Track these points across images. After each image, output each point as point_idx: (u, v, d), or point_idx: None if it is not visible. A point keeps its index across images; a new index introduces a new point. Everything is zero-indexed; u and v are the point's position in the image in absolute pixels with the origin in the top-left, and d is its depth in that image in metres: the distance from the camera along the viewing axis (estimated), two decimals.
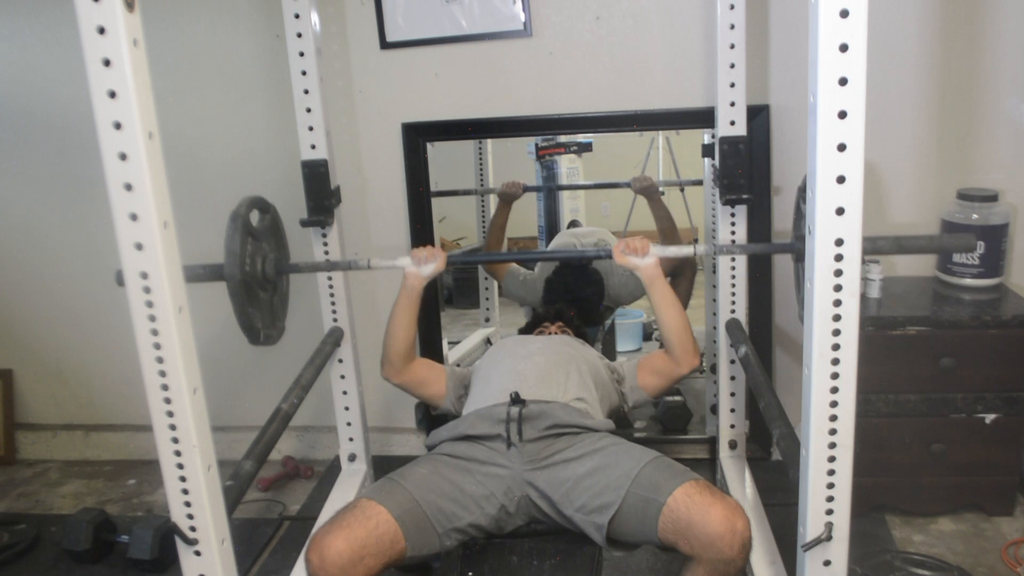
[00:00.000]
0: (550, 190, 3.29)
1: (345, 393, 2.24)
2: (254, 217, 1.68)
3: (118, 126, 1.01)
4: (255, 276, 1.63)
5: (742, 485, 2.13)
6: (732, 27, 1.99)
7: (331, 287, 2.16)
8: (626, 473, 1.53)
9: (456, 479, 1.62)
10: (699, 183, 2.92)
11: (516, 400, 1.70)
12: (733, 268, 2.17)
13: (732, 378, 2.23)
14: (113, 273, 1.11)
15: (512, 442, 1.65)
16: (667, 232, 2.77)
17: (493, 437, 1.67)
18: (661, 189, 3.10)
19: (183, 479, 1.19)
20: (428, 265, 1.85)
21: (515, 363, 1.89)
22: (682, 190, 3.19)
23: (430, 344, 2.62)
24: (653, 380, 1.95)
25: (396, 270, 1.89)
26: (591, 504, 1.55)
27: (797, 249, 1.56)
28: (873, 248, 1.38)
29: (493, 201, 3.10)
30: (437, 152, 2.56)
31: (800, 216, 1.53)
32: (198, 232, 1.59)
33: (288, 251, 1.84)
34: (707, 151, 2.51)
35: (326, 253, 2.13)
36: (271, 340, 1.68)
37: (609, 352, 3.05)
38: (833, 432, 1.17)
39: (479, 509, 1.60)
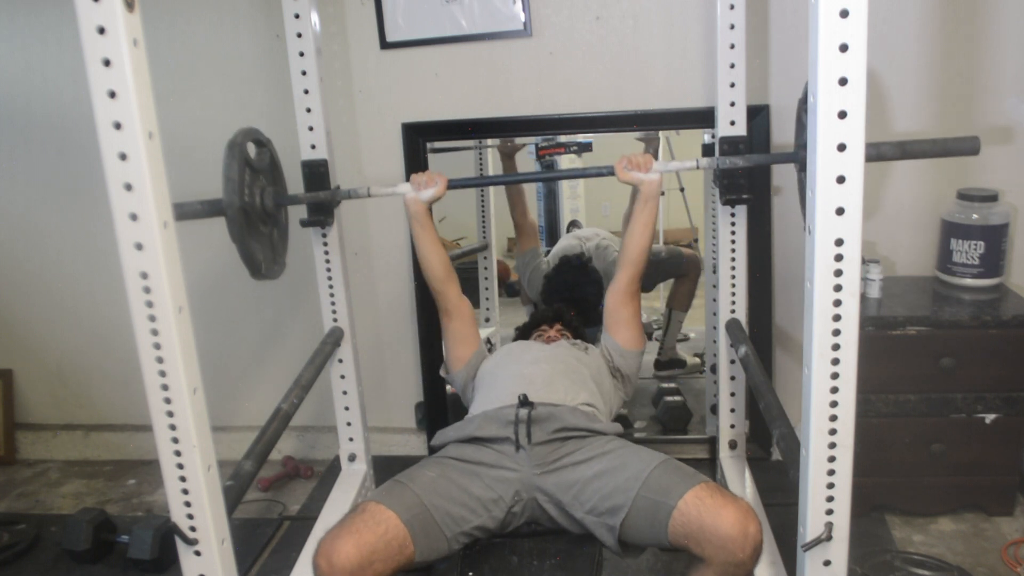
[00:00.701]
0: (550, 190, 3.29)
1: (345, 393, 2.24)
2: (251, 150, 1.66)
3: (118, 126, 1.01)
4: (254, 208, 1.61)
5: (742, 485, 2.13)
6: (732, 27, 1.99)
7: (331, 287, 2.15)
8: (635, 476, 1.53)
9: (464, 483, 1.61)
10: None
11: (524, 402, 1.69)
12: (733, 268, 2.17)
13: (732, 378, 2.23)
14: (115, 274, 1.10)
15: (520, 444, 1.64)
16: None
17: (501, 440, 1.66)
18: (661, 190, 3.10)
19: (183, 479, 1.19)
20: (428, 190, 1.89)
21: (522, 367, 1.88)
22: (682, 190, 3.20)
23: (431, 345, 2.62)
24: (622, 329, 1.96)
25: (397, 196, 1.95)
26: (601, 506, 1.54)
27: (800, 158, 1.58)
28: (877, 154, 1.39)
29: (494, 201, 3.11)
30: (437, 152, 2.56)
31: (801, 127, 1.56)
32: (198, 232, 1.59)
33: (286, 186, 1.84)
34: (707, 151, 2.51)
35: (326, 253, 2.13)
36: (273, 275, 1.66)
37: None
38: (833, 432, 1.17)
39: (487, 512, 1.59)
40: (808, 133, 1.07)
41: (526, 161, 3.20)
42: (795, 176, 2.37)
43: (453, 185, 1.93)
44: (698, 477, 1.50)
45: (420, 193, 1.89)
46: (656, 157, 2.72)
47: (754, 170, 2.26)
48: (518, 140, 2.89)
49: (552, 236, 3.44)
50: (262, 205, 1.65)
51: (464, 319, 2.00)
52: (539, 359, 1.92)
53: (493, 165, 3.07)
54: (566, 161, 3.19)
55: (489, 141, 2.96)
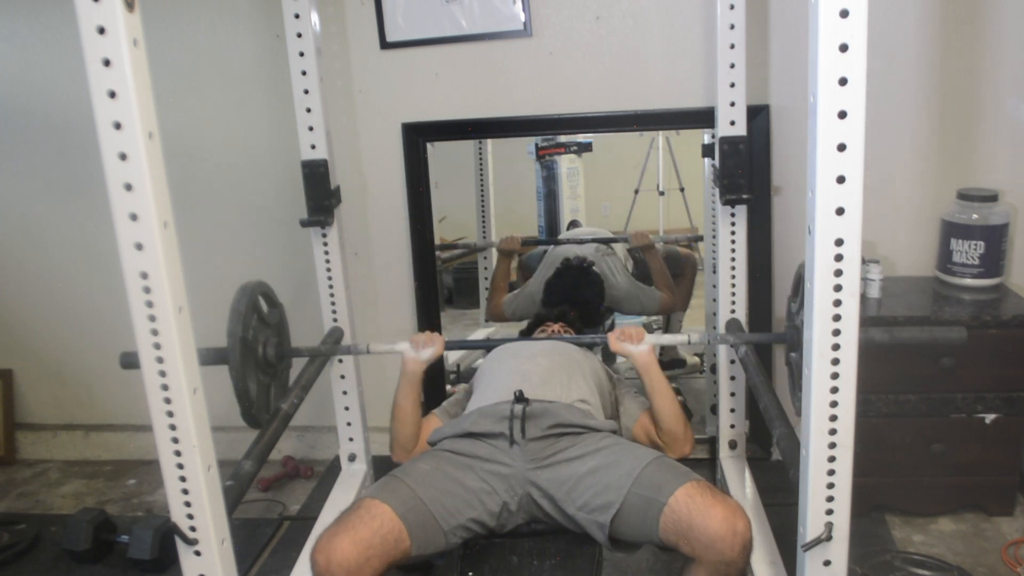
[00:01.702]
0: (550, 190, 3.29)
1: (345, 393, 2.24)
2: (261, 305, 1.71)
3: (118, 126, 1.01)
4: (257, 356, 1.67)
5: (742, 485, 2.13)
6: (732, 27, 1.99)
7: (331, 287, 2.16)
8: (628, 472, 1.53)
9: (458, 475, 1.62)
10: (698, 239, 2.99)
11: (520, 398, 1.70)
12: (733, 268, 2.17)
13: (732, 378, 2.23)
14: (115, 274, 1.10)
15: (515, 440, 1.65)
16: (662, 282, 2.88)
17: (496, 435, 1.67)
18: (661, 190, 3.11)
19: (183, 479, 1.19)
20: (427, 349, 1.86)
21: (519, 363, 1.89)
22: (682, 190, 3.20)
23: None
24: (643, 439, 1.91)
25: (395, 355, 1.91)
26: (593, 503, 1.55)
27: (791, 340, 1.53)
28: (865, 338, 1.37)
29: (494, 201, 3.11)
30: (437, 152, 2.56)
31: (799, 306, 1.47)
32: (198, 233, 1.59)
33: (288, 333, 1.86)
34: (707, 151, 2.51)
35: (326, 253, 2.13)
36: (263, 422, 1.70)
37: (608, 351, 3.04)
38: (833, 432, 1.17)
39: (481, 505, 1.60)
40: (808, 133, 1.07)
41: (525, 160, 3.20)
42: (795, 176, 2.38)
43: (450, 346, 1.94)
44: (690, 475, 1.50)
45: (419, 353, 1.87)
46: (653, 244, 2.87)
47: (754, 170, 2.26)
48: (516, 137, 2.88)
49: (552, 236, 3.43)
50: (264, 355, 1.69)
51: (423, 441, 1.91)
52: (538, 353, 1.93)
53: (493, 165, 3.07)
54: (566, 160, 3.20)
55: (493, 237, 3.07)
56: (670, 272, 3.02)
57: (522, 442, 1.64)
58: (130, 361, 1.13)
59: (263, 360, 1.69)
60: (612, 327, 3.11)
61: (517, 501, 1.63)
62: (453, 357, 2.97)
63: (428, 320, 2.59)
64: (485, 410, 1.74)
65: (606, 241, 3.04)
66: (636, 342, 1.82)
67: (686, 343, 1.89)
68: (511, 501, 1.62)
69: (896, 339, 1.44)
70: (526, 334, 2.33)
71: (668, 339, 1.97)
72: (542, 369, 1.85)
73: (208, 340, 1.41)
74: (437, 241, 2.65)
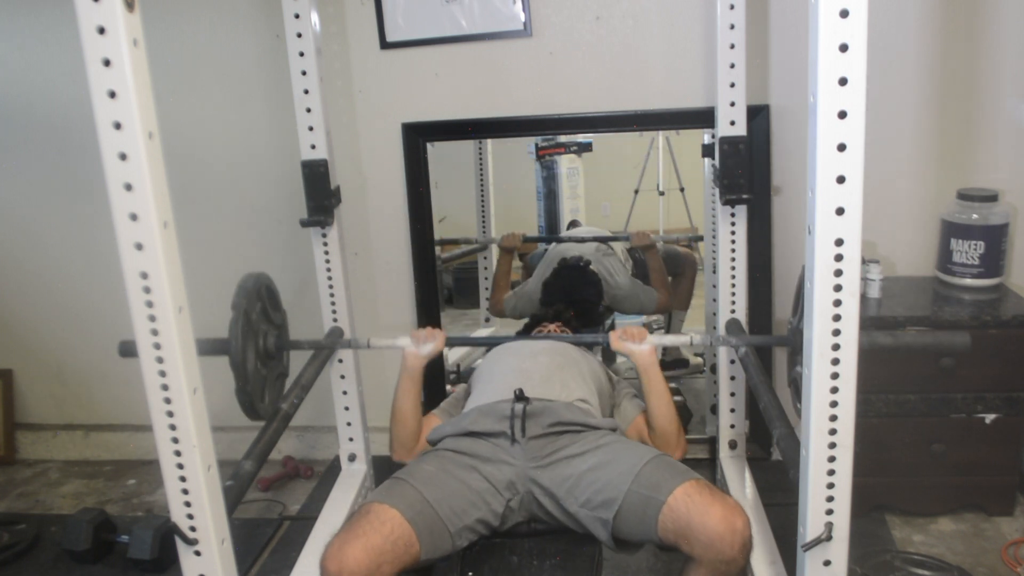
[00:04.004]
0: (550, 190, 3.29)
1: (345, 393, 2.24)
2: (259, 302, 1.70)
3: (118, 126, 1.01)
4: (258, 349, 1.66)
5: (742, 485, 2.13)
6: (732, 27, 1.99)
7: (331, 287, 2.16)
8: (628, 470, 1.53)
9: (462, 475, 1.62)
10: (699, 239, 2.97)
11: (520, 397, 1.70)
12: (733, 268, 2.17)
13: (732, 378, 2.23)
14: (115, 274, 1.10)
15: (515, 438, 1.65)
16: (660, 282, 2.88)
17: (497, 434, 1.68)
18: (661, 190, 3.11)
19: (183, 479, 1.19)
20: (427, 345, 1.87)
21: (519, 362, 1.89)
22: (682, 190, 3.19)
23: None
24: (636, 439, 1.90)
25: (396, 350, 1.91)
26: (595, 500, 1.55)
27: (793, 342, 1.51)
28: (868, 342, 1.36)
29: (494, 202, 3.11)
30: (437, 152, 2.56)
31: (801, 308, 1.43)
32: (198, 233, 1.59)
33: (288, 330, 1.86)
34: (707, 151, 2.51)
35: (326, 253, 2.13)
36: (265, 415, 1.70)
37: (608, 353, 3.05)
38: (833, 432, 1.17)
39: (486, 505, 1.60)
40: (808, 133, 1.07)
41: (525, 160, 3.20)
42: (795, 176, 2.38)
43: (451, 342, 1.93)
44: (689, 474, 1.50)
45: (420, 348, 1.87)
46: (655, 244, 2.87)
47: (754, 170, 2.26)
48: (516, 137, 2.88)
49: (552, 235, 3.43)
50: (265, 345, 1.69)
51: (424, 440, 1.91)
52: (538, 352, 1.93)
53: (493, 165, 3.07)
54: (566, 160, 3.19)
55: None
56: (670, 272, 3.02)
57: (523, 440, 1.65)
58: (128, 350, 1.13)
59: (263, 351, 1.67)
60: (612, 327, 3.13)
61: (519, 499, 1.63)
62: (453, 357, 2.97)
63: (428, 320, 2.59)
64: (485, 409, 1.74)
65: (606, 239, 3.05)
66: (638, 341, 1.82)
67: (688, 344, 1.89)
68: (513, 500, 1.62)
69: (900, 343, 1.44)
70: (523, 334, 2.33)
71: (671, 339, 1.97)
72: (542, 368, 1.85)
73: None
74: (437, 244, 2.65)
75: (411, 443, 1.90)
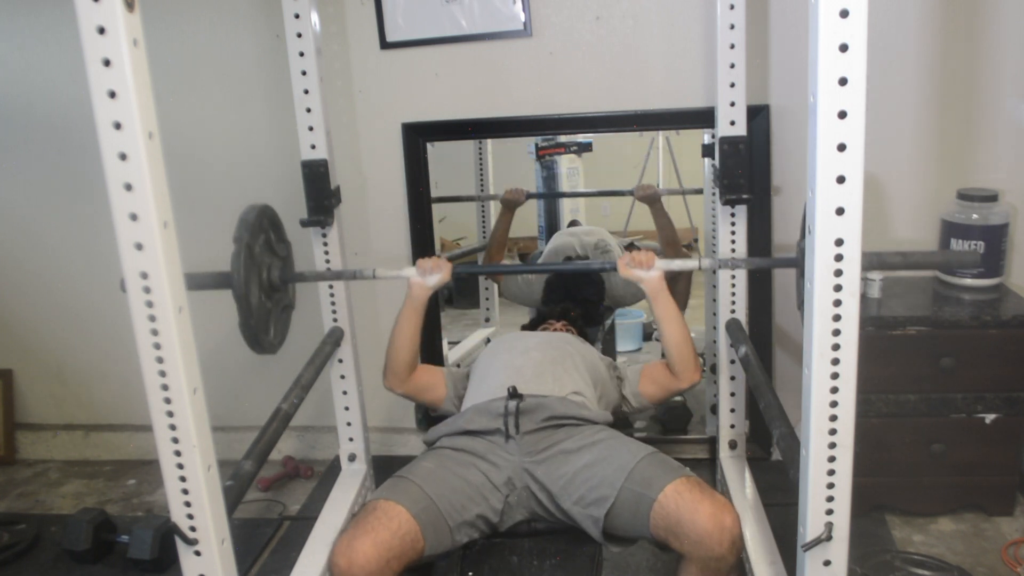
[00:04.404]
0: (550, 190, 3.29)
1: (345, 393, 2.24)
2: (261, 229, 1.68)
3: (118, 126, 1.01)
4: (262, 282, 1.63)
5: (742, 485, 2.13)
6: (732, 27, 1.99)
7: (331, 287, 2.15)
8: (622, 467, 1.54)
9: (461, 471, 1.63)
10: (699, 191, 2.92)
11: (513, 394, 1.71)
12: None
13: (732, 378, 2.23)
14: (114, 274, 1.10)
15: (510, 435, 1.66)
16: (669, 239, 2.79)
17: (492, 431, 1.69)
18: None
19: (183, 479, 1.19)
20: (433, 275, 1.86)
21: (512, 358, 1.90)
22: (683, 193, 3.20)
23: (430, 344, 2.62)
24: (653, 389, 1.97)
25: (401, 279, 1.90)
26: (588, 497, 1.56)
27: (801, 264, 1.55)
28: (880, 262, 1.38)
29: (494, 203, 3.10)
30: (437, 152, 2.56)
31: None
32: (198, 232, 1.59)
33: (293, 262, 1.84)
34: (707, 151, 2.51)
35: (326, 253, 2.13)
36: (272, 349, 1.68)
37: (609, 352, 3.05)
38: (833, 432, 1.17)
39: (484, 500, 1.61)
40: (808, 133, 1.07)
41: (526, 161, 3.20)
42: (795, 176, 2.38)
43: (457, 271, 1.92)
44: (681, 471, 1.51)
45: (426, 278, 1.86)
46: (659, 196, 2.80)
47: (754, 170, 2.26)
48: (516, 137, 2.88)
49: (552, 235, 3.44)
50: (269, 277, 1.67)
51: (421, 379, 1.96)
52: (531, 347, 1.94)
53: (493, 165, 3.07)
54: (566, 160, 3.20)
55: (491, 187, 3.03)
56: (667, 273, 3.01)
57: (517, 436, 1.66)
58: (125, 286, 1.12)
59: (267, 283, 1.65)
60: (612, 326, 3.13)
61: (517, 495, 1.64)
62: (454, 357, 2.97)
63: (429, 320, 2.58)
64: (480, 407, 1.75)
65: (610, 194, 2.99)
66: (646, 268, 1.82)
67: (696, 268, 1.92)
68: (511, 495, 1.63)
69: (910, 261, 1.45)
70: (529, 328, 2.34)
71: (679, 264, 1.96)
72: (534, 363, 1.86)
73: (208, 339, 1.41)
74: (437, 241, 2.65)
75: (404, 373, 1.92)
